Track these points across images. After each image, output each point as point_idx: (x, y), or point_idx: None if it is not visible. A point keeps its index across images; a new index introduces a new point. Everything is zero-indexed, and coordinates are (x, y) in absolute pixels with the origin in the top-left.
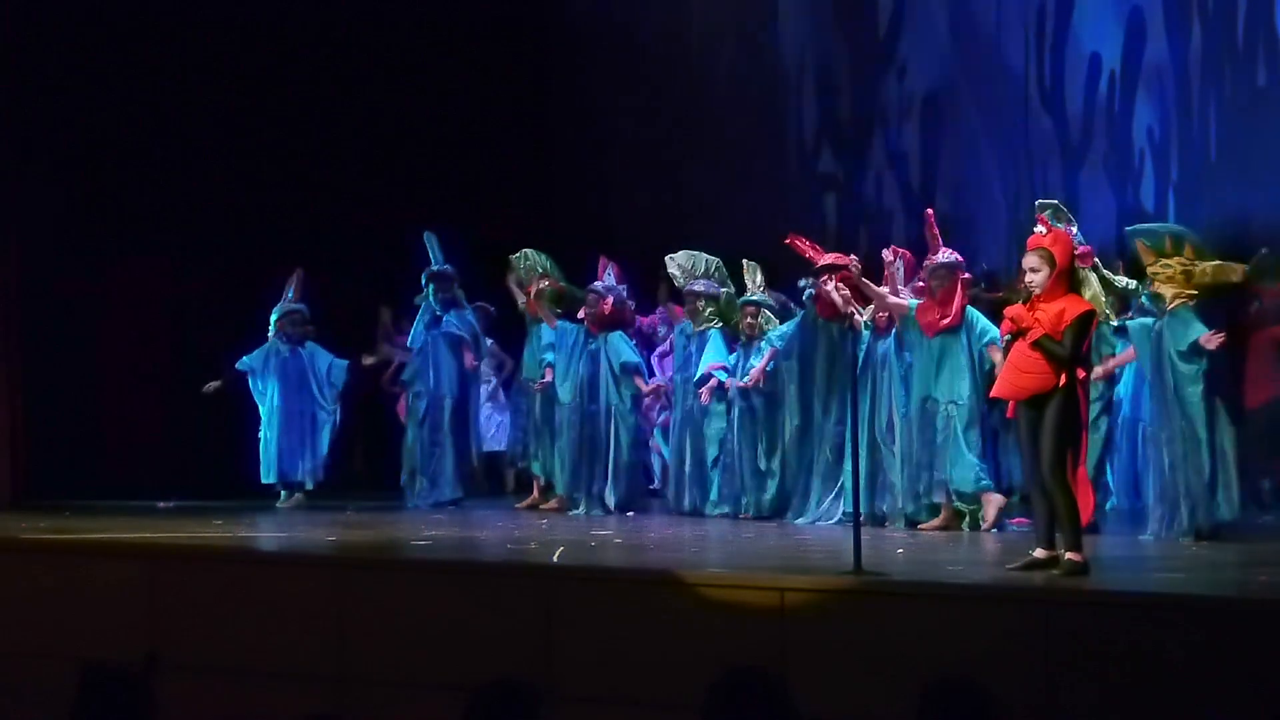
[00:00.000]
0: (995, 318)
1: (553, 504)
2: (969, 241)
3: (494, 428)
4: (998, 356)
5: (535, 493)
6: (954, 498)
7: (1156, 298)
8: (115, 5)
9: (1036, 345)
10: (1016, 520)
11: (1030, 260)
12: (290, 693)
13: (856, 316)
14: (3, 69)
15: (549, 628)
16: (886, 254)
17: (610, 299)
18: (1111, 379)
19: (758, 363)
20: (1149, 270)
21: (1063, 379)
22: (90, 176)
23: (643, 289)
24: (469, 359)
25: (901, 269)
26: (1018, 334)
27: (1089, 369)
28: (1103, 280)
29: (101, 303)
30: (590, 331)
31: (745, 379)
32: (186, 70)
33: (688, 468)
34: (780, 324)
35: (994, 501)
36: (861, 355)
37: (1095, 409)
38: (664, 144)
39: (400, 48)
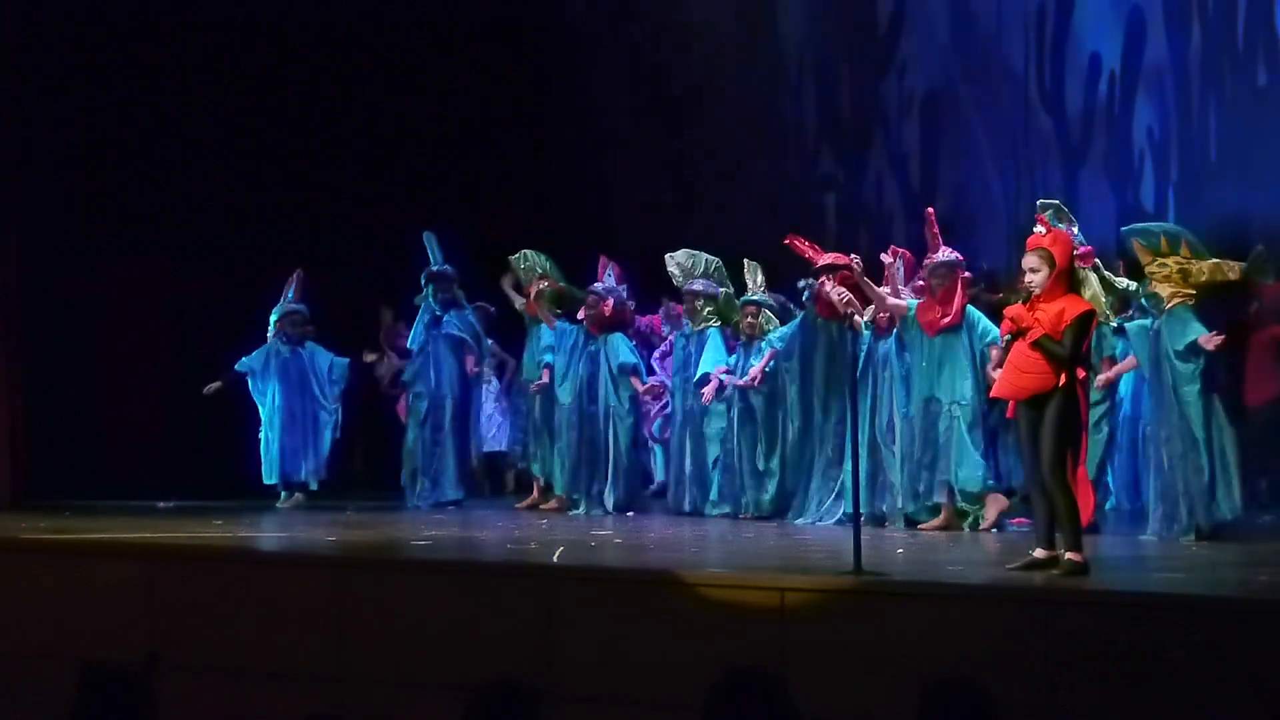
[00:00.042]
0: (995, 318)
1: (553, 504)
2: (969, 241)
3: (495, 428)
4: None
5: (535, 493)
6: (960, 498)
7: (1154, 297)
8: (115, 5)
9: (1036, 345)
10: (1016, 520)
11: (1030, 260)
12: (290, 693)
13: (856, 318)
14: (3, 69)
15: (549, 628)
16: (886, 256)
17: (611, 300)
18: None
19: (758, 363)
20: (1146, 270)
21: (1062, 379)
22: (90, 176)
23: (643, 289)
24: (470, 364)
25: (901, 269)
26: (1018, 334)
27: (1089, 369)
28: (1103, 281)
29: (101, 303)
30: (590, 333)
31: (744, 378)
32: (186, 70)
33: (688, 468)
34: (780, 324)
35: (996, 502)
36: (862, 355)
37: (1098, 411)
38: (664, 143)
39: (400, 48)
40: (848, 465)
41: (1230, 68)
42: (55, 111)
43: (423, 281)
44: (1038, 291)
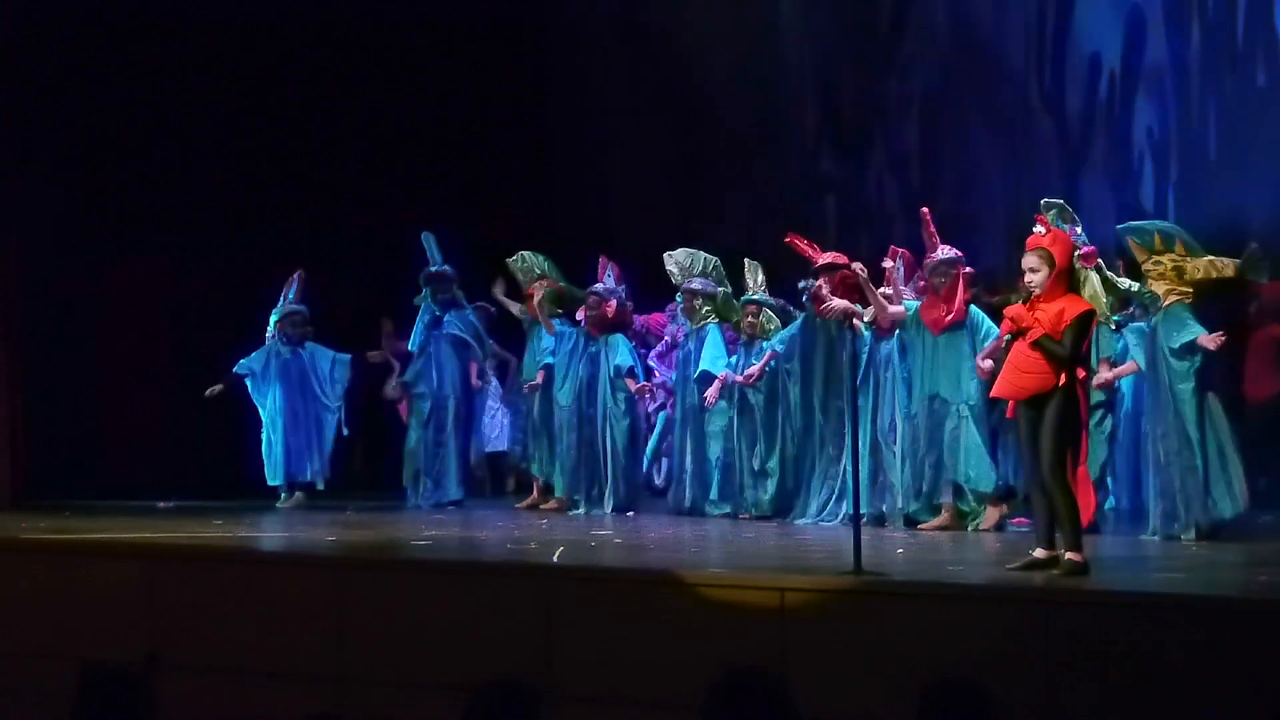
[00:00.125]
0: (995, 318)
1: (553, 504)
2: (969, 242)
3: (498, 428)
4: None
5: (535, 493)
6: (971, 498)
7: (1150, 295)
8: (115, 5)
9: (1036, 345)
10: (1016, 520)
11: (1030, 260)
12: (290, 693)
13: (856, 322)
14: (3, 69)
15: (549, 628)
16: (887, 262)
17: (613, 301)
18: None
19: (758, 363)
20: (1142, 268)
21: (1062, 379)
22: (90, 176)
23: (643, 289)
24: (474, 375)
25: (901, 269)
26: (1018, 334)
27: (1089, 369)
28: (1105, 281)
29: (101, 303)
30: (590, 334)
31: (742, 375)
32: (186, 70)
33: (689, 466)
34: (781, 325)
35: (997, 505)
36: (864, 356)
37: (1100, 412)
38: (664, 144)
39: (400, 48)
40: (848, 465)
41: (1230, 68)
42: (55, 111)
43: (421, 282)
44: (1038, 291)
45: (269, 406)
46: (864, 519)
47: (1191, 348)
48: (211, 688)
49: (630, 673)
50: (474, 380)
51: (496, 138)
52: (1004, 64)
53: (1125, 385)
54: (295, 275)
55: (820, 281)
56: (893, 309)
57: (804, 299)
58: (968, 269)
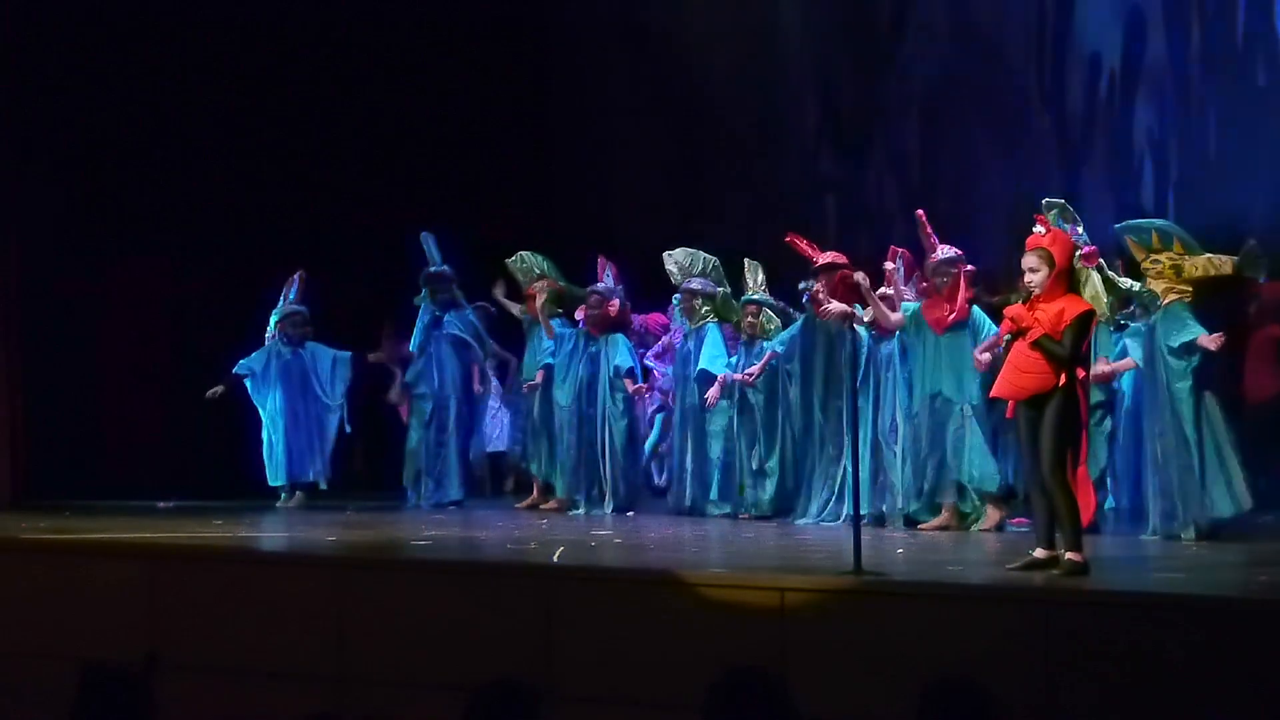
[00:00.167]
0: (995, 318)
1: (553, 504)
2: (969, 242)
3: (499, 428)
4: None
5: (535, 493)
6: (975, 498)
7: (1149, 294)
8: (115, 5)
9: (1036, 345)
10: (1016, 520)
11: (1029, 260)
12: (290, 693)
13: (854, 324)
14: (3, 69)
15: (549, 628)
16: (888, 264)
17: (616, 301)
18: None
19: (758, 364)
20: (1141, 267)
21: (1062, 379)
22: (90, 176)
23: (643, 289)
24: (476, 380)
25: (901, 269)
26: (1017, 334)
27: (1089, 369)
28: (1106, 281)
29: (101, 303)
30: (590, 334)
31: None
32: (186, 70)
33: (689, 466)
34: (781, 325)
35: (999, 503)
36: (864, 356)
37: (1100, 412)
38: (664, 144)
39: (400, 48)
40: (848, 465)
41: (1230, 68)
42: (55, 111)
43: (421, 283)
44: (1037, 291)
45: (270, 407)
46: (864, 519)
47: (1190, 347)
48: (211, 688)
49: (630, 673)
50: (476, 386)
51: (496, 138)
52: (1004, 64)
53: (1125, 385)
54: (296, 275)
55: (819, 286)
56: (894, 317)
57: (804, 300)
58: (969, 267)
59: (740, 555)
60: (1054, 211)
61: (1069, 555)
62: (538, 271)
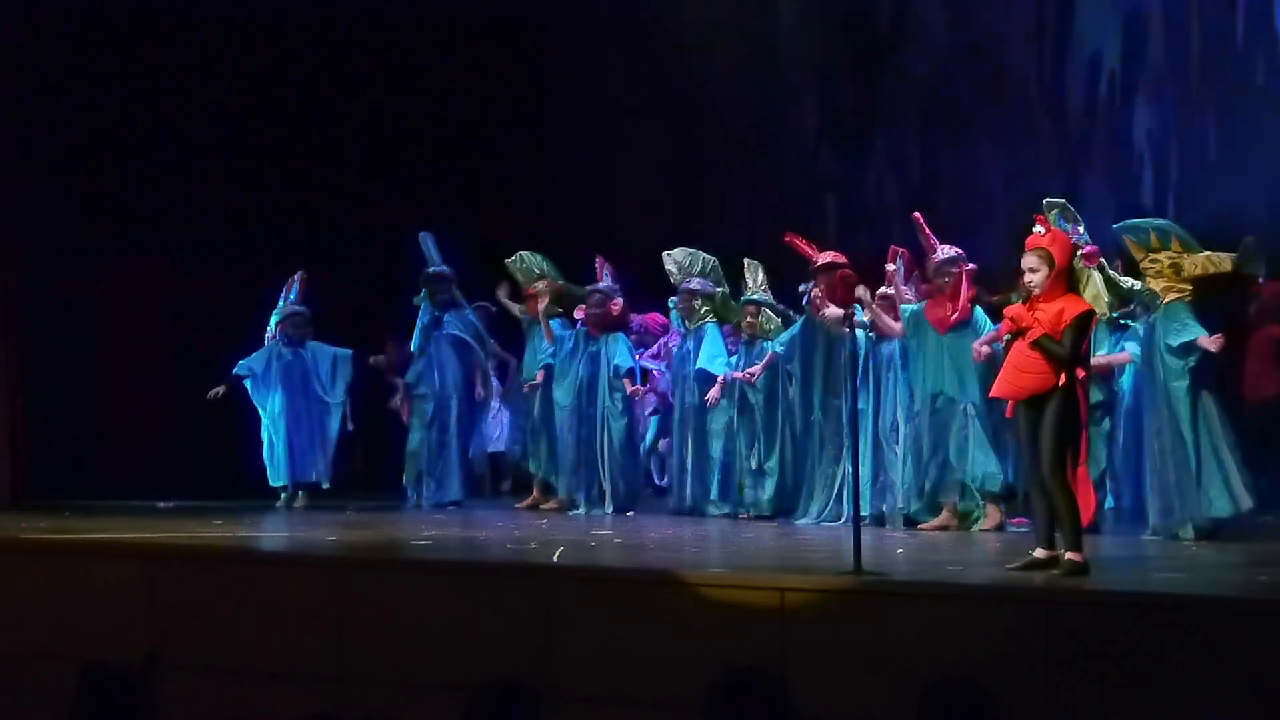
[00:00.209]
0: (995, 318)
1: (553, 504)
2: (969, 242)
3: (499, 428)
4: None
5: (535, 493)
6: (979, 497)
7: (1149, 293)
8: (115, 5)
9: (1036, 345)
10: (1016, 520)
11: (1029, 260)
12: (290, 693)
13: (853, 327)
14: (3, 69)
15: (549, 628)
16: (890, 265)
17: (619, 300)
18: (1111, 375)
19: (759, 364)
20: (1140, 266)
21: (1062, 379)
22: (90, 176)
23: (643, 289)
24: (479, 385)
25: (902, 269)
26: (1017, 334)
27: (1088, 369)
28: (1107, 280)
29: (101, 303)
30: (590, 333)
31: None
32: (186, 70)
33: (689, 464)
34: (781, 325)
35: (1000, 503)
36: (864, 356)
37: (1100, 413)
38: (664, 144)
39: (400, 48)
40: (847, 465)
41: (1230, 68)
42: (55, 111)
43: (420, 283)
44: (1037, 291)
45: (271, 408)
46: (865, 519)
47: (1189, 347)
48: (211, 688)
49: (630, 673)
50: (478, 390)
51: (496, 138)
52: (1004, 64)
53: (1125, 385)
54: (296, 275)
55: (817, 291)
56: (896, 326)
57: (804, 302)
58: (970, 266)
59: (740, 555)
60: (1054, 211)
61: (1069, 555)
62: (537, 271)
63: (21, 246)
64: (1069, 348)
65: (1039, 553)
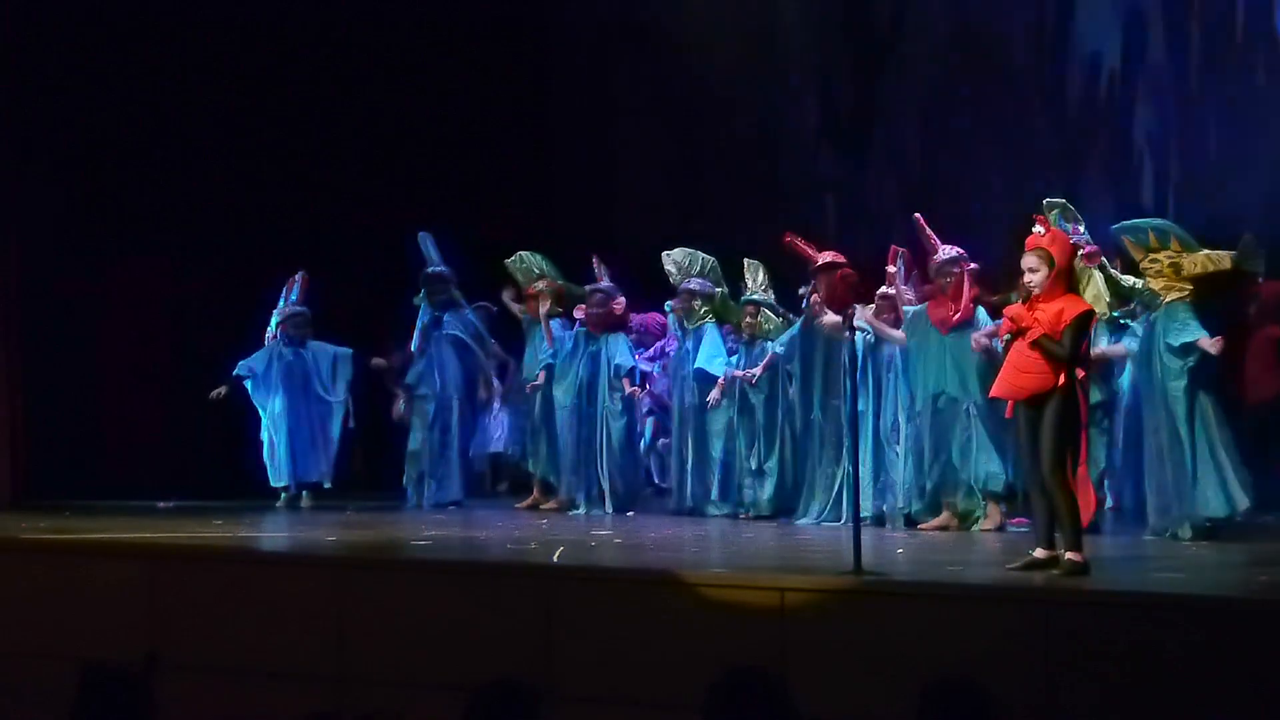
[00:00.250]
0: (997, 319)
1: (552, 504)
2: (969, 242)
3: (499, 428)
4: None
5: (535, 493)
6: (982, 497)
7: (1149, 293)
8: (115, 5)
9: (1035, 345)
10: (1016, 520)
11: (1029, 260)
12: (290, 693)
13: (853, 330)
14: (3, 69)
15: (549, 628)
16: (890, 269)
17: (622, 299)
18: (1110, 375)
19: (759, 365)
20: (1140, 267)
21: (1062, 379)
22: (90, 176)
23: (643, 289)
24: (481, 388)
25: (902, 268)
26: (1017, 334)
27: (1088, 369)
28: (1108, 279)
29: (101, 303)
30: (590, 332)
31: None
32: (186, 70)
33: (689, 465)
34: (780, 325)
35: (1001, 503)
36: (863, 357)
37: (1099, 413)
38: (664, 144)
39: (400, 48)
40: (847, 466)
41: (1230, 68)
42: (55, 111)
43: (419, 283)
44: (1037, 291)
45: (272, 409)
46: (865, 520)
47: (1190, 348)
48: (211, 688)
49: (630, 673)
50: (481, 392)
51: (496, 138)
52: (1004, 64)
53: (1124, 384)
54: (298, 276)
55: (816, 298)
56: (898, 336)
57: (803, 305)
58: (972, 266)
59: (740, 555)
60: (1054, 211)
61: (1069, 555)
62: (537, 271)
63: (21, 246)
64: (1068, 348)
65: (1039, 553)
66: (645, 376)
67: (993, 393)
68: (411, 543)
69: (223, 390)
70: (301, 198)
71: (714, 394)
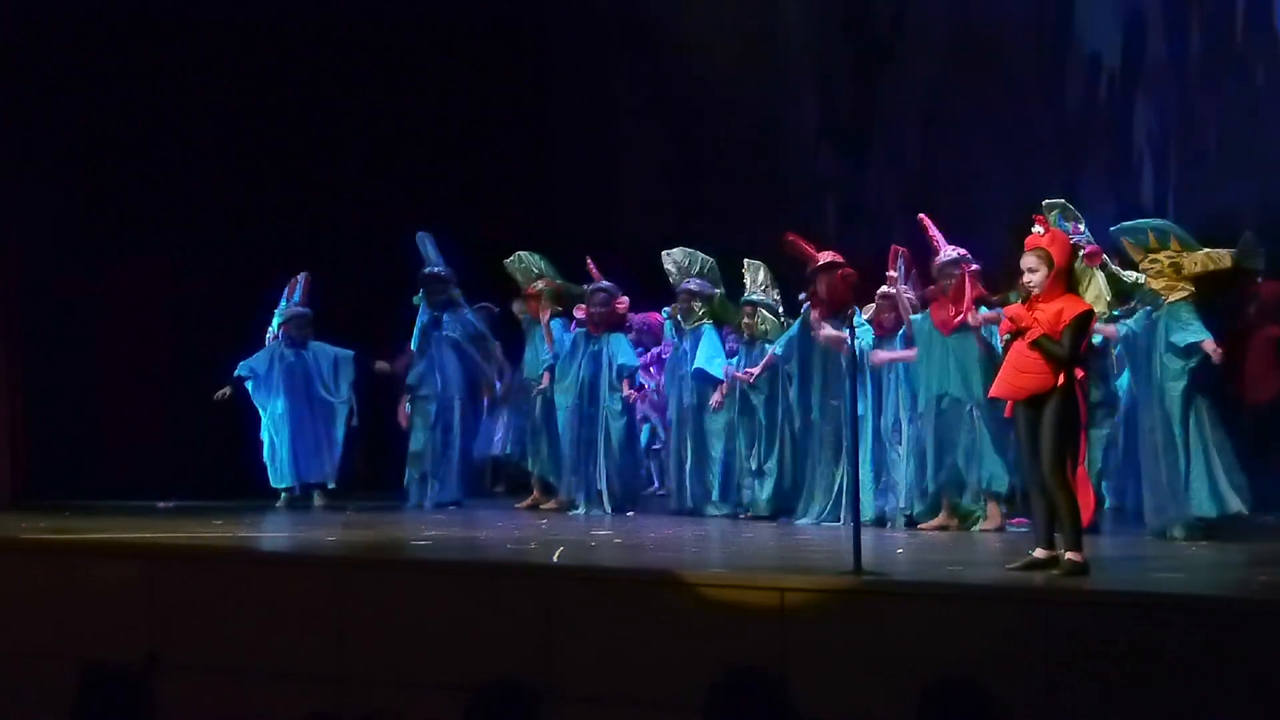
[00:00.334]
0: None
1: (552, 504)
2: (969, 242)
3: (500, 429)
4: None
5: (535, 493)
6: (985, 498)
7: (1150, 293)
8: (115, 5)
9: (1035, 345)
10: (1016, 520)
11: (1028, 260)
12: (290, 693)
13: (852, 332)
14: (3, 69)
15: (549, 628)
16: (891, 272)
17: (625, 299)
18: (1109, 375)
19: (758, 365)
20: (1140, 267)
21: (1061, 378)
22: (90, 176)
23: (642, 289)
24: (484, 391)
25: (902, 268)
26: (1017, 334)
27: (1088, 368)
28: (1110, 277)
29: (101, 303)
30: (590, 332)
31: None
32: (186, 70)
33: (688, 465)
34: (780, 327)
35: (1001, 503)
36: (861, 357)
37: (1099, 414)
38: (664, 144)
39: (400, 48)
40: (847, 466)
41: (1230, 68)
42: (55, 111)
43: (418, 283)
44: (1036, 291)
45: (274, 410)
46: (866, 521)
47: (1192, 349)
48: (211, 688)
49: (630, 673)
50: (484, 395)
51: (496, 138)
52: (1004, 64)
53: (1123, 384)
54: (300, 276)
55: (815, 315)
56: (909, 354)
57: (802, 310)
58: (974, 266)
59: (740, 555)
60: (1054, 212)
61: (1069, 555)
62: (536, 271)
63: (21, 246)
64: (1068, 348)
65: (1039, 553)
66: (642, 385)
67: (992, 393)
68: (412, 543)
69: (227, 391)
70: (301, 198)
71: (715, 397)
